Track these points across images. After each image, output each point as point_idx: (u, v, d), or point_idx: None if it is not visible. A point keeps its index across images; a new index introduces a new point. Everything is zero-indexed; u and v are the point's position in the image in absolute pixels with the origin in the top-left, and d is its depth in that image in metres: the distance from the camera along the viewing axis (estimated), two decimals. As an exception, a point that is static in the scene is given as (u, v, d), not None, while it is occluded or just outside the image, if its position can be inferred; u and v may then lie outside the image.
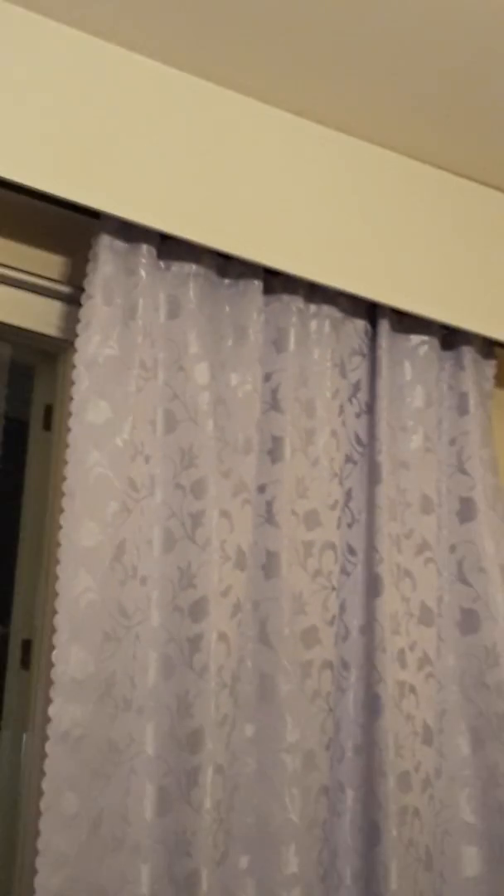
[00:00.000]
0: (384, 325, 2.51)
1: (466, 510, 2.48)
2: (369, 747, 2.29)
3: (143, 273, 2.29)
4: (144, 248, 2.30)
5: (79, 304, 2.27)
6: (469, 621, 2.43)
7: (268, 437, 2.36)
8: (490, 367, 2.62)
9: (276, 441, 2.35)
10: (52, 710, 2.06)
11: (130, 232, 2.30)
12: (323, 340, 2.46)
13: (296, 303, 2.43)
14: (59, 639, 2.08)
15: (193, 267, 2.36)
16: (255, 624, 2.27)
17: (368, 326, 2.52)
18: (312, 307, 2.47)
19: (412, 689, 2.35)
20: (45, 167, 2.21)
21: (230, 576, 2.25)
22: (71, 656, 2.08)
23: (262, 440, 2.35)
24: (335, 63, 2.35)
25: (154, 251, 2.31)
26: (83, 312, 2.25)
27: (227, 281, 2.40)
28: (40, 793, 2.04)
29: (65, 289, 2.35)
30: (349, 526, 2.43)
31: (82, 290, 2.27)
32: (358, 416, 2.48)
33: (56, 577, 2.12)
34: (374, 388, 2.48)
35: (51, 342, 2.39)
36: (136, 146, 2.30)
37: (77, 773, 2.05)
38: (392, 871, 2.21)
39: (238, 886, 2.15)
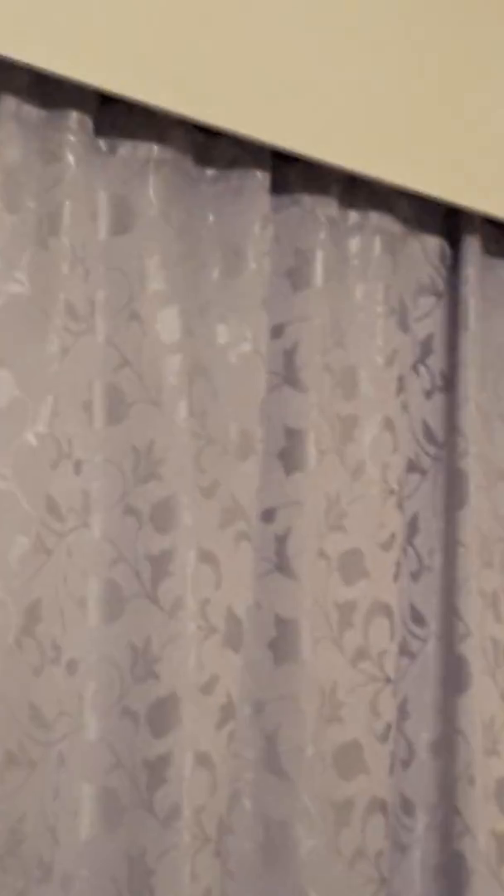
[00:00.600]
0: (472, 245, 2.56)
1: None
2: None
3: (70, 158, 2.28)
4: (74, 117, 2.30)
5: None
6: None
7: (279, 431, 2.38)
8: None
9: (294, 437, 2.38)
10: None
11: (52, 92, 2.29)
12: (371, 270, 2.50)
13: (325, 207, 2.47)
14: None
15: (155, 149, 2.37)
16: (259, 739, 2.31)
17: (447, 247, 2.58)
18: (353, 215, 2.51)
19: None
20: None
21: (216, 660, 2.27)
22: None
23: (269, 435, 2.37)
24: None
25: (90, 122, 2.32)
26: None
27: (210, 172, 2.43)
28: None
29: None
30: (414, 577, 2.46)
31: None
32: (429, 394, 2.52)
33: None
34: (455, 350, 2.52)
35: None
36: None
37: None
38: None
39: None
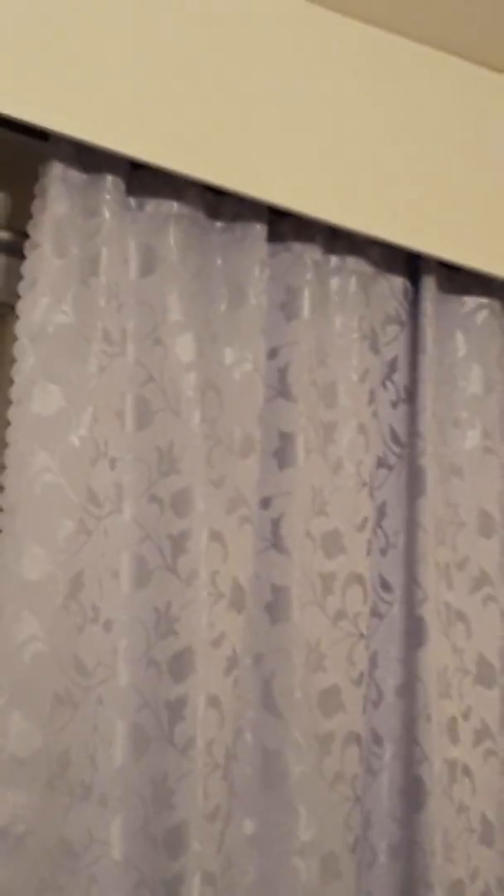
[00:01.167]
0: (429, 284, 2.52)
1: (539, 531, 2.54)
2: (409, 849, 2.30)
3: (107, 213, 2.27)
4: (109, 180, 2.29)
5: (21, 256, 2.26)
6: (546, 682, 2.48)
7: (274, 434, 2.36)
8: None
9: (285, 439, 2.36)
10: None
11: (91, 159, 2.28)
12: (347, 304, 2.46)
13: (311, 254, 2.43)
14: None
15: (175, 205, 2.35)
16: (258, 684, 2.28)
17: (409, 285, 2.53)
18: (334, 260, 2.47)
19: (466, 772, 2.36)
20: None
21: (223, 619, 2.25)
22: (11, 727, 2.06)
23: (266, 437, 2.36)
24: None
25: (122, 184, 2.31)
26: (27, 266, 2.24)
27: (219, 224, 2.40)
28: None
29: (3, 235, 2.35)
30: (382, 553, 2.44)
31: (26, 236, 2.26)
32: (394, 405, 2.49)
33: (-9, 621, 2.18)
34: (416, 368, 2.49)
35: (-17, 306, 2.40)
36: (96, 46, 2.29)
37: (19, 884, 2.04)
38: None
39: None
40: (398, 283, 2.51)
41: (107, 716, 2.16)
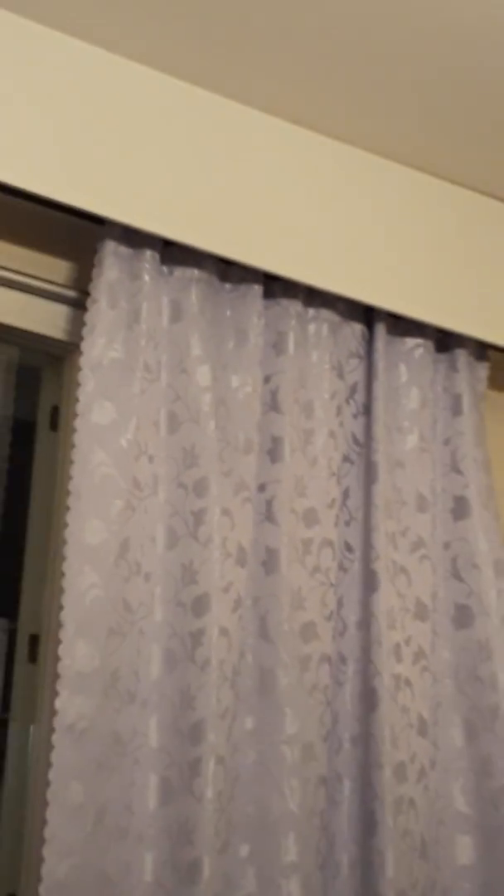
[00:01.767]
0: (380, 329, 2.51)
1: (460, 508, 2.48)
2: (366, 739, 2.30)
3: (146, 278, 2.29)
4: (148, 253, 2.30)
5: (84, 308, 2.27)
6: (462, 616, 2.43)
7: (267, 438, 2.36)
8: (483, 370, 2.62)
9: (276, 441, 2.35)
10: (58, 703, 2.06)
11: (134, 238, 2.30)
12: (321, 343, 2.46)
13: (294, 307, 2.43)
14: (66, 634, 2.08)
15: (195, 272, 2.36)
16: (255, 619, 2.27)
17: (365, 330, 2.52)
18: (311, 311, 2.47)
19: (408, 683, 2.35)
20: (51, 175, 2.21)
21: (231, 572, 2.25)
22: (77, 651, 2.08)
23: (261, 440, 2.35)
24: (331, 74, 2.35)
25: (157, 256, 2.32)
26: (89, 316, 2.25)
27: (227, 285, 2.40)
28: (47, 783, 2.05)
29: (71, 293, 2.36)
30: (346, 524, 2.42)
31: (88, 294, 2.27)
32: (355, 416, 2.47)
33: (62, 574, 2.12)
34: (370, 390, 2.48)
35: (57, 345, 2.39)
36: (139, 154, 2.30)
37: (82, 765, 2.06)
38: (388, 859, 2.22)
39: (239, 874, 2.16)
40: (358, 328, 2.50)
41: (146, 643, 2.18)
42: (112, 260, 2.28)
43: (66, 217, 2.27)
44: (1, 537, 2.58)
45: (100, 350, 2.23)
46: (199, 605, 2.19)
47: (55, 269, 2.34)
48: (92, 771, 2.06)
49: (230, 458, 2.31)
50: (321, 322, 2.47)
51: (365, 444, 2.46)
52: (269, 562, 2.29)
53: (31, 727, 2.30)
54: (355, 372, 2.50)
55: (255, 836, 2.18)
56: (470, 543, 2.45)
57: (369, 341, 2.52)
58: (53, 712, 2.07)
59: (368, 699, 2.31)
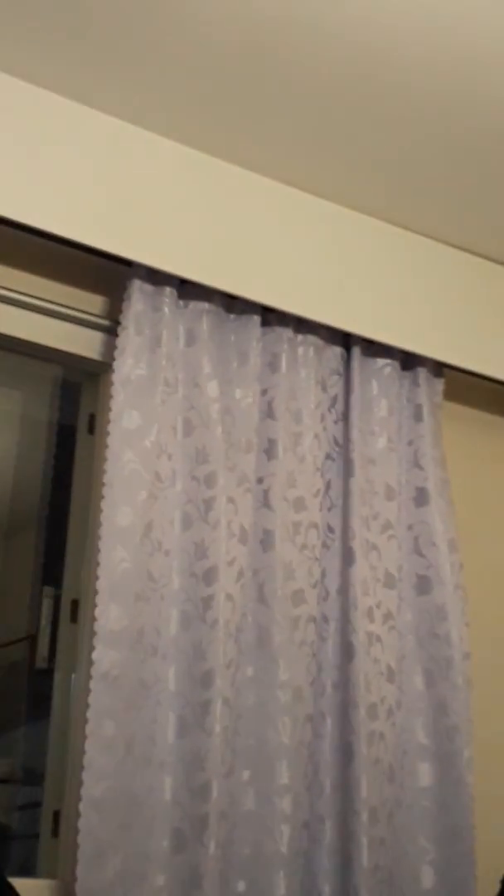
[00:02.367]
0: (356, 351, 2.48)
1: (421, 497, 2.46)
2: (345, 684, 2.28)
3: (166, 310, 2.27)
4: (168, 289, 2.29)
5: (116, 335, 2.25)
6: (423, 585, 2.41)
7: (264, 439, 2.33)
8: (439, 384, 2.58)
9: (271, 442, 2.33)
10: (95, 655, 2.05)
11: (156, 277, 2.28)
12: (308, 363, 2.43)
13: (286, 333, 2.41)
14: (101, 599, 2.07)
15: (206, 305, 2.33)
16: (255, 587, 2.25)
17: (344, 352, 2.50)
18: (300, 336, 2.44)
19: (378, 639, 2.33)
20: (89, 225, 2.20)
21: (235, 549, 2.23)
22: (110, 613, 2.07)
23: (260, 442, 2.33)
24: (323, 142, 2.33)
25: (175, 292, 2.30)
26: (119, 341, 2.24)
27: (232, 316, 2.38)
28: (85, 721, 2.04)
29: (104, 322, 2.33)
30: (329, 509, 2.40)
31: (118, 323, 2.26)
32: (336, 422, 2.45)
33: (98, 550, 2.11)
34: (348, 401, 2.46)
35: (93, 364, 2.36)
36: (160, 209, 2.28)
37: (114, 705, 2.05)
38: (363, 782, 2.21)
39: (241, 794, 2.15)
40: (338, 350, 2.48)
41: (166, 606, 2.16)
42: (138, 295, 2.26)
43: (100, 260, 2.25)
44: (48, 520, 2.59)
45: (128, 368, 2.21)
46: (209, 576, 2.18)
47: (92, 303, 2.32)
48: (122, 710, 2.05)
49: (234, 456, 2.28)
50: (308, 345, 2.44)
51: (343, 445, 2.44)
52: (266, 540, 2.27)
53: (73, 675, 2.28)
54: (336, 386, 2.47)
55: (254, 763, 2.17)
56: (429, 525, 2.43)
57: (347, 361, 2.49)
58: (90, 663, 2.06)
59: (346, 652, 2.30)
